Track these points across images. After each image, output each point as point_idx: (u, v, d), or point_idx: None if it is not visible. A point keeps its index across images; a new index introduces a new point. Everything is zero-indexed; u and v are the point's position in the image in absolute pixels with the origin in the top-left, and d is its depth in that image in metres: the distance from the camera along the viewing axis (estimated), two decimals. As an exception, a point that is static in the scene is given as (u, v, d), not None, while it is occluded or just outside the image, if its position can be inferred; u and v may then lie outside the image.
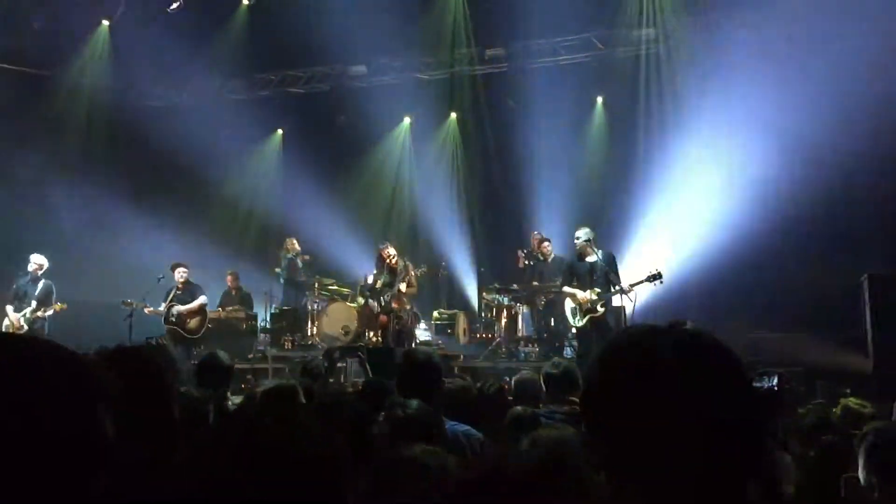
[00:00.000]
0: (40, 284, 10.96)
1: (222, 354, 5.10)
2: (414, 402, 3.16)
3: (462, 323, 12.81)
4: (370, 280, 12.33)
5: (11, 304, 10.94)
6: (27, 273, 10.99)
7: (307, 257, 13.47)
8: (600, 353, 1.34)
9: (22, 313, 10.83)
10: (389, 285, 11.36)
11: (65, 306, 10.95)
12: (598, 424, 1.29)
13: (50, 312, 10.86)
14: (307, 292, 13.27)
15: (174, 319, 11.34)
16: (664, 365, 1.24)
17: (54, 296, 11.00)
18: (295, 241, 13.50)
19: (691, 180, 11.96)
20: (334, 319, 12.58)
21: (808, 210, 11.04)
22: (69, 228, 13.23)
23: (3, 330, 10.83)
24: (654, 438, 1.20)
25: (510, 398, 5.77)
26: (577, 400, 4.78)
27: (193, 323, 11.52)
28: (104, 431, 1.21)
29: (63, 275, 11.44)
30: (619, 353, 1.31)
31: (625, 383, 1.26)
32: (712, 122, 11.69)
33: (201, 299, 11.62)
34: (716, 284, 11.41)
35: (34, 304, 10.87)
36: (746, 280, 11.31)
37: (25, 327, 10.66)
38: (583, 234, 9.73)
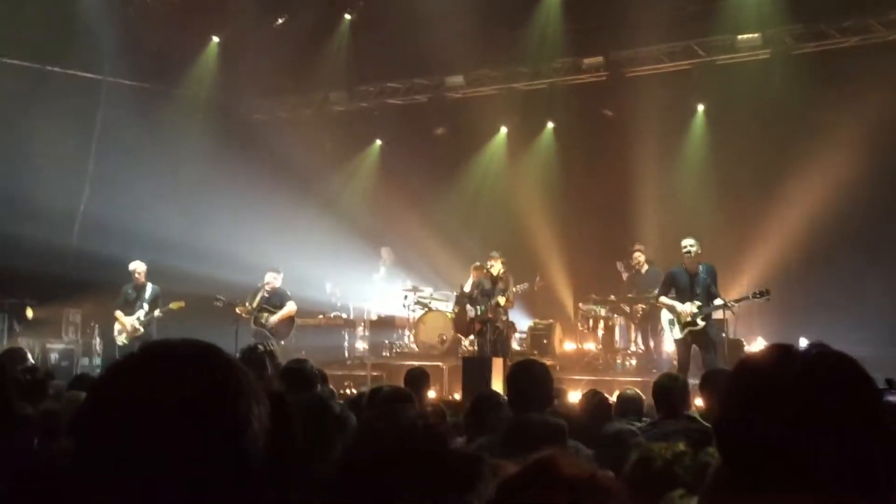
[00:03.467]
0: (148, 288, 11.51)
1: (309, 364, 5.27)
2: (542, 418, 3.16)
3: (558, 333, 12.75)
4: (467, 288, 12.44)
5: (122, 309, 11.52)
6: (132, 281, 11.55)
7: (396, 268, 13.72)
8: (734, 377, 1.34)
9: (136, 316, 11.40)
10: (488, 295, 11.38)
11: (182, 304, 11.46)
12: (737, 447, 1.28)
13: (158, 314, 11.38)
14: (403, 301, 13.46)
15: (265, 324, 11.56)
16: (799, 384, 1.24)
17: (161, 298, 11.55)
18: (390, 250, 13.74)
19: (795, 190, 11.60)
20: (431, 328, 12.73)
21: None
22: (177, 236, 13.82)
23: (116, 333, 11.48)
24: (792, 459, 1.21)
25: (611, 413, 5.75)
26: (693, 415, 4.73)
27: (283, 329, 11.67)
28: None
29: (170, 278, 11.99)
30: (753, 375, 1.31)
31: (763, 404, 1.25)
32: (819, 132, 11.32)
33: (290, 305, 11.69)
34: (823, 298, 11.04)
35: (146, 307, 11.43)
36: (857, 292, 10.91)
37: (142, 329, 11.27)
38: (689, 244, 9.56)
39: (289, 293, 11.83)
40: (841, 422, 1.22)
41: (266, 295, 11.69)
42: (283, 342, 11.56)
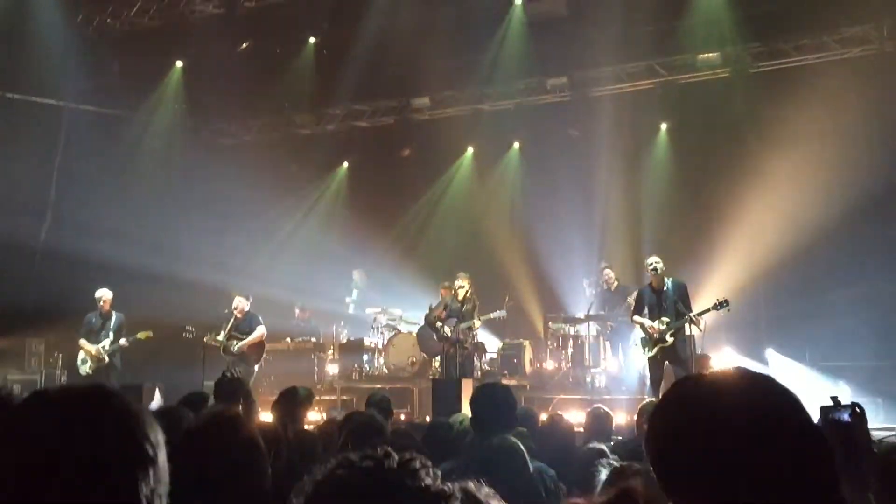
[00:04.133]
0: (114, 316, 11.34)
1: (303, 390, 5.22)
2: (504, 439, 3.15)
3: (528, 353, 12.76)
4: (434, 309, 12.41)
5: (86, 338, 11.32)
6: (96, 309, 11.37)
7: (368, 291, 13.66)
8: (658, 405, 1.40)
9: (101, 345, 11.20)
10: (456, 315, 11.36)
11: (150, 334, 11.29)
12: (665, 471, 1.33)
13: (124, 343, 11.20)
14: (372, 323, 13.39)
15: (233, 351, 11.41)
16: (718, 410, 1.29)
17: (125, 327, 11.38)
18: (363, 272, 13.70)
19: (758, 205, 11.77)
20: (400, 350, 12.68)
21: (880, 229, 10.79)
22: (141, 263, 13.65)
23: (79, 362, 11.28)
24: (719, 481, 1.24)
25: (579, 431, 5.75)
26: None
27: (253, 355, 11.47)
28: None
29: (136, 307, 11.83)
30: (673, 404, 1.37)
31: (684, 432, 1.30)
32: (780, 147, 11.51)
33: (259, 330, 11.52)
34: (786, 310, 11.20)
35: (111, 335, 11.25)
36: (817, 305, 11.07)
37: (107, 359, 11.09)
38: (654, 262, 9.64)
39: (259, 318, 11.69)
40: (754, 440, 1.25)
41: (235, 322, 11.55)
42: (255, 367, 11.43)
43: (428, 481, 1.27)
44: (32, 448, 1.21)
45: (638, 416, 5.38)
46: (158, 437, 1.32)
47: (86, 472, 1.21)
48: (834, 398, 2.33)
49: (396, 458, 1.30)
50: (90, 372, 11.07)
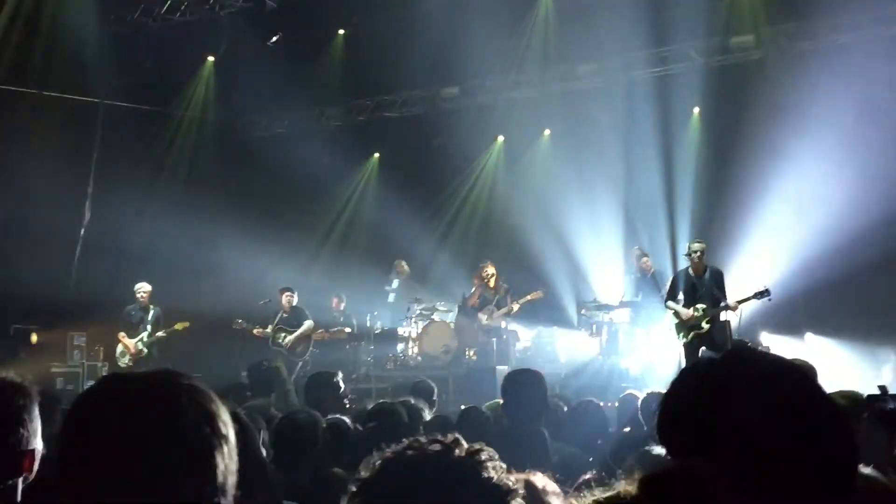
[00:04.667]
0: (151, 310, 11.58)
1: (338, 376, 5.25)
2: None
3: (562, 340, 12.73)
4: (469, 298, 12.44)
5: (125, 330, 11.58)
6: (135, 301, 11.60)
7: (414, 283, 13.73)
8: (672, 382, 1.40)
9: (139, 338, 11.45)
10: (489, 304, 11.40)
11: (188, 324, 11.53)
12: (672, 444, 1.34)
13: (162, 335, 11.43)
14: (406, 313, 13.46)
15: (282, 343, 11.68)
16: (729, 391, 1.29)
17: (163, 319, 11.61)
18: (405, 263, 13.78)
19: (793, 188, 11.60)
20: (434, 339, 12.71)
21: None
22: (178, 256, 13.86)
23: (118, 354, 11.53)
24: (731, 464, 1.23)
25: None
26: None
27: (300, 347, 11.86)
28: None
29: (173, 299, 12.04)
30: (688, 382, 1.37)
31: (697, 412, 1.30)
32: (814, 130, 11.31)
33: (307, 324, 11.91)
34: (826, 294, 11.04)
35: (149, 328, 11.49)
36: (857, 288, 10.90)
37: (145, 351, 11.36)
38: (697, 247, 9.54)
39: (307, 312, 11.96)
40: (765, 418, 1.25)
41: (285, 315, 11.80)
42: (301, 360, 11.68)
43: (492, 473, 1.29)
44: (116, 429, 1.24)
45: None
46: (227, 415, 1.35)
47: (169, 450, 1.24)
48: (882, 388, 2.31)
49: (465, 446, 1.32)
50: (130, 364, 11.30)
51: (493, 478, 1.28)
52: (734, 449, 1.24)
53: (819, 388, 1.32)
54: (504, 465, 1.32)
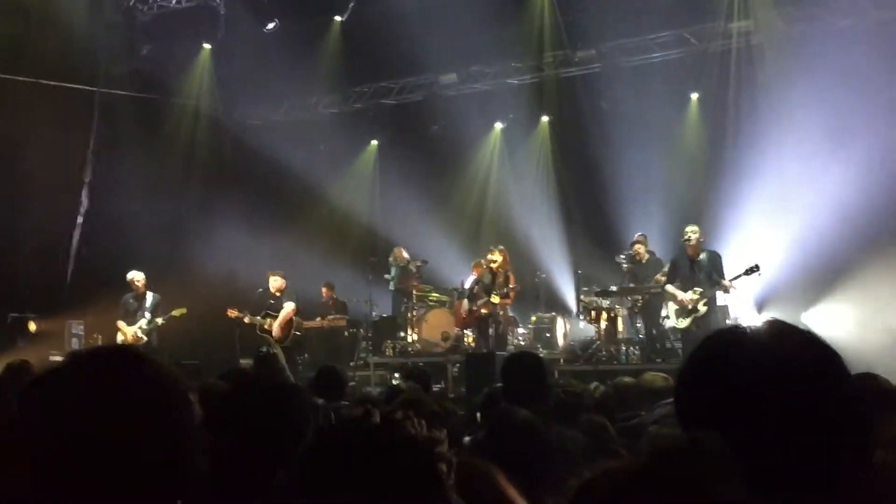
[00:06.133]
0: (149, 296, 11.56)
1: (340, 369, 5.25)
2: (522, 412, 3.17)
3: (561, 327, 12.75)
4: (467, 285, 12.45)
5: (123, 319, 11.57)
6: (131, 290, 11.58)
7: (419, 263, 13.68)
8: (690, 356, 1.35)
9: (138, 325, 11.44)
10: (489, 290, 11.40)
11: (184, 311, 11.50)
12: (689, 417, 1.30)
13: (161, 322, 11.42)
14: (404, 299, 13.46)
15: (267, 329, 11.60)
16: (751, 359, 1.25)
17: (162, 305, 11.60)
18: (403, 251, 13.77)
19: (790, 174, 11.59)
20: (434, 326, 12.73)
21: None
22: (176, 243, 13.85)
23: (119, 343, 11.51)
24: (749, 436, 1.19)
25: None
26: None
27: (282, 333, 11.65)
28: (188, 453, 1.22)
29: (171, 286, 12.04)
30: (708, 354, 1.32)
31: (719, 383, 1.26)
32: (811, 114, 11.30)
33: (287, 307, 11.69)
34: (823, 274, 11.07)
35: (148, 315, 11.48)
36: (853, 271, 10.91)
37: (144, 338, 11.34)
38: (690, 231, 9.56)
39: (291, 294, 11.89)
40: (798, 396, 1.21)
41: (272, 301, 11.77)
42: (283, 345, 11.61)
43: (412, 430, 1.31)
44: (69, 409, 1.17)
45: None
46: (189, 396, 1.28)
47: (127, 429, 1.17)
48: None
49: (379, 413, 1.34)
50: (129, 352, 11.29)
51: (415, 434, 1.30)
52: (747, 420, 1.21)
53: (845, 368, 1.29)
54: (423, 422, 1.34)
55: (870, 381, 3.00)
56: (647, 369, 9.58)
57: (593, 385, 5.72)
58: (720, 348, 1.32)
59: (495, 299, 11.29)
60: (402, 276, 13.69)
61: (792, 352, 1.27)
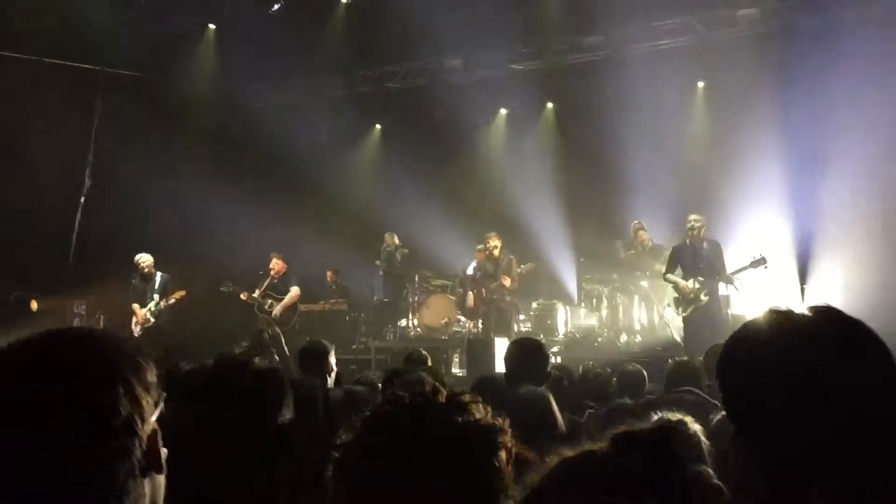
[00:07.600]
0: (157, 277, 11.57)
1: (324, 342, 5.17)
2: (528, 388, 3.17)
3: (561, 314, 12.75)
4: (469, 271, 12.45)
5: (136, 302, 11.60)
6: (137, 273, 11.59)
7: (406, 251, 13.69)
8: (738, 338, 1.29)
9: (147, 307, 11.47)
10: (491, 277, 11.42)
11: (183, 294, 11.53)
12: (743, 418, 1.25)
13: (171, 302, 11.45)
14: (407, 284, 13.47)
15: (268, 310, 11.66)
16: (801, 348, 1.21)
17: (171, 285, 11.62)
18: (394, 236, 13.75)
19: (796, 163, 11.55)
20: (435, 311, 12.73)
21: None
22: (179, 225, 13.84)
23: (133, 326, 11.49)
24: (801, 419, 1.17)
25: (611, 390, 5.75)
26: (692, 389, 4.73)
27: (285, 315, 11.72)
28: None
29: (174, 268, 12.05)
30: (752, 341, 1.27)
31: (769, 365, 1.22)
32: (820, 103, 11.24)
33: (293, 291, 11.80)
34: (825, 266, 11.04)
35: (156, 296, 11.50)
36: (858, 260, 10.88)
37: (152, 320, 11.39)
38: (692, 220, 9.52)
39: (294, 279, 11.94)
40: (848, 387, 1.17)
41: (273, 281, 11.79)
42: (286, 328, 11.63)
43: (478, 414, 1.27)
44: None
45: (706, 359, 5.36)
46: (152, 377, 1.15)
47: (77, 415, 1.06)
48: None
49: (445, 393, 1.30)
50: (139, 333, 11.34)
51: (480, 418, 1.27)
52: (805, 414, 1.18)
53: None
54: (489, 407, 1.31)
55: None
56: (647, 358, 9.64)
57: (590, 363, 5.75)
58: (772, 328, 1.26)
59: (507, 282, 11.35)
60: (389, 261, 13.70)
61: (843, 335, 1.23)
